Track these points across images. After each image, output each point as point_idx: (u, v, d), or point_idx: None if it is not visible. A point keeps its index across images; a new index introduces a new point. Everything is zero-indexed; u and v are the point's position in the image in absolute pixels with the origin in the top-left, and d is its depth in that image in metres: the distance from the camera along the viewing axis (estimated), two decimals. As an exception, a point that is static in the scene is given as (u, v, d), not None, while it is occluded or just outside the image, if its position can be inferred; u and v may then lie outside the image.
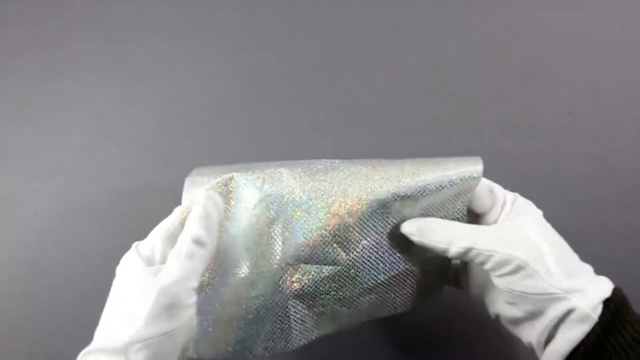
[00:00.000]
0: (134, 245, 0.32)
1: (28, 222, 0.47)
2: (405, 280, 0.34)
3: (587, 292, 0.28)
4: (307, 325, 0.34)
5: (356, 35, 0.56)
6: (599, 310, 0.27)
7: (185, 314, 0.29)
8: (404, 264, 0.34)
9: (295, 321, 0.34)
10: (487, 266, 0.30)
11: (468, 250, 0.30)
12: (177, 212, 0.33)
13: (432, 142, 0.50)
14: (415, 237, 0.32)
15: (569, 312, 0.28)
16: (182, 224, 0.32)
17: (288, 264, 0.33)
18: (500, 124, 0.50)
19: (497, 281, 0.30)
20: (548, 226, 0.31)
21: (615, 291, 0.29)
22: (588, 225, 0.45)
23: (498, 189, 0.33)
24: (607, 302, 0.28)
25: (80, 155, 0.50)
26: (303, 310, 0.34)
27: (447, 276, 0.36)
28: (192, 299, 0.29)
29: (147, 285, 0.28)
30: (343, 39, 0.56)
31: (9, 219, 0.47)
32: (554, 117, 0.51)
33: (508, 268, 0.29)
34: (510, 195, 0.33)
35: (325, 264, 0.33)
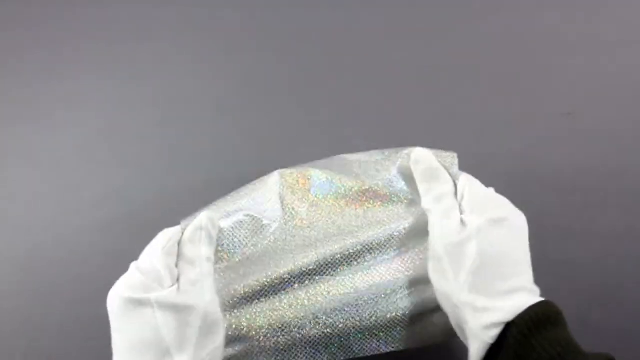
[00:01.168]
0: (133, 266, 0.30)
1: (28, 222, 0.47)
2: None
3: (488, 311, 0.27)
4: (323, 350, 0.33)
5: (356, 35, 0.56)
6: (493, 331, 0.27)
7: (222, 328, 0.30)
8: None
9: (311, 345, 0.33)
10: (430, 241, 0.31)
11: (428, 212, 0.32)
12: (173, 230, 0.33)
13: (432, 142, 0.49)
14: (413, 165, 0.34)
15: (464, 323, 0.28)
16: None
17: (298, 277, 0.33)
18: (500, 124, 0.50)
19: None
20: (499, 232, 0.29)
21: (526, 315, 0.27)
22: (588, 225, 0.45)
23: (445, 176, 0.33)
24: (512, 325, 0.27)
25: (80, 155, 0.50)
26: (321, 335, 0.32)
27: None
28: (220, 315, 0.30)
29: (180, 311, 0.28)
30: (343, 39, 0.56)
31: (9, 218, 0.47)
32: (554, 117, 0.51)
33: (430, 253, 0.30)
34: (470, 192, 0.32)
35: (331, 275, 0.33)
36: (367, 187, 0.36)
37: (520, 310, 0.27)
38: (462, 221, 0.30)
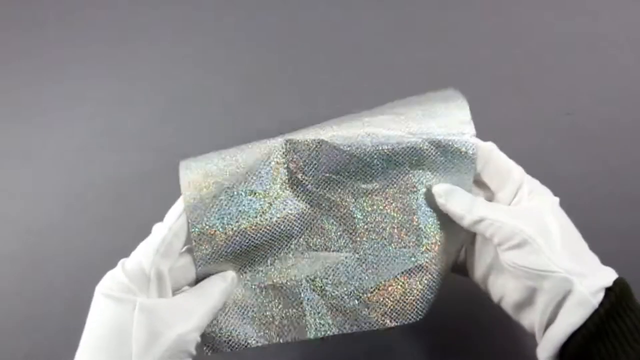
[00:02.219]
0: (120, 264, 0.29)
1: (28, 222, 0.47)
2: (416, 273, 0.34)
3: (589, 277, 0.28)
4: (323, 317, 0.33)
5: (357, 35, 0.56)
6: (599, 296, 0.28)
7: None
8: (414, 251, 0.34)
9: (309, 311, 0.33)
10: (496, 239, 0.30)
11: (481, 220, 0.31)
12: (169, 221, 0.31)
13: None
14: (441, 199, 0.33)
15: (568, 294, 0.28)
16: (177, 234, 0.31)
17: (298, 251, 0.34)
18: (501, 124, 0.50)
19: (502, 256, 0.30)
20: (562, 212, 0.32)
21: (618, 281, 0.29)
22: (588, 225, 0.45)
23: (517, 172, 0.33)
24: (608, 291, 0.28)
25: (80, 155, 0.50)
26: (318, 300, 0.33)
27: (454, 263, 0.36)
28: (193, 347, 0.29)
29: (144, 327, 0.27)
30: (344, 38, 0.56)
31: (9, 218, 0.47)
32: (554, 117, 0.51)
33: (514, 241, 0.29)
34: (529, 180, 0.33)
35: (333, 251, 0.34)
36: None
37: (614, 277, 0.29)
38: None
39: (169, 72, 0.54)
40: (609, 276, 0.29)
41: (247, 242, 0.33)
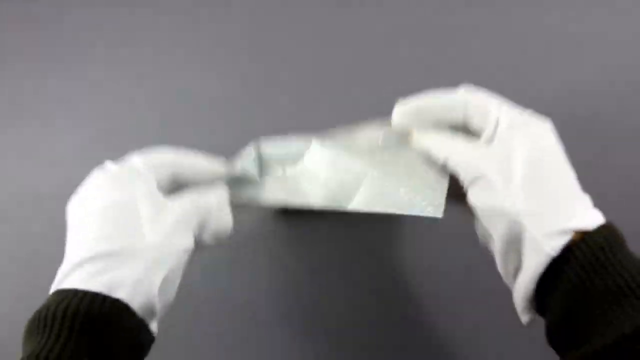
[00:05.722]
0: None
1: (28, 222, 0.47)
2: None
3: (549, 218, 0.24)
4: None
5: (357, 36, 0.56)
6: (557, 240, 0.23)
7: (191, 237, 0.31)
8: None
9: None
10: (460, 178, 0.28)
11: (445, 161, 0.29)
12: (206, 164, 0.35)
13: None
14: (417, 144, 0.31)
15: (520, 237, 0.24)
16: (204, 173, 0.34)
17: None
18: (500, 124, 0.50)
19: (467, 196, 0.28)
20: (546, 145, 0.28)
21: (603, 228, 0.24)
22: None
23: (494, 107, 0.30)
24: (585, 237, 0.24)
25: (80, 155, 0.50)
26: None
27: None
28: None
29: (149, 199, 0.28)
30: (344, 38, 0.56)
31: (9, 219, 0.47)
32: (553, 117, 0.51)
33: (469, 178, 0.27)
34: (507, 113, 0.29)
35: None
36: None
37: (594, 222, 0.24)
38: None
39: (169, 72, 0.54)
40: (583, 218, 0.24)
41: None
